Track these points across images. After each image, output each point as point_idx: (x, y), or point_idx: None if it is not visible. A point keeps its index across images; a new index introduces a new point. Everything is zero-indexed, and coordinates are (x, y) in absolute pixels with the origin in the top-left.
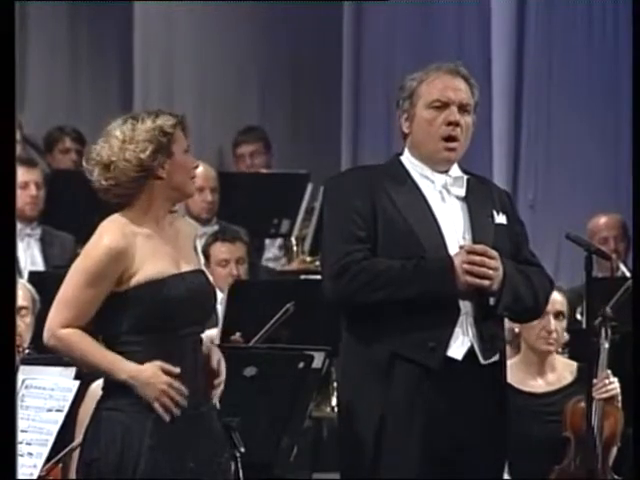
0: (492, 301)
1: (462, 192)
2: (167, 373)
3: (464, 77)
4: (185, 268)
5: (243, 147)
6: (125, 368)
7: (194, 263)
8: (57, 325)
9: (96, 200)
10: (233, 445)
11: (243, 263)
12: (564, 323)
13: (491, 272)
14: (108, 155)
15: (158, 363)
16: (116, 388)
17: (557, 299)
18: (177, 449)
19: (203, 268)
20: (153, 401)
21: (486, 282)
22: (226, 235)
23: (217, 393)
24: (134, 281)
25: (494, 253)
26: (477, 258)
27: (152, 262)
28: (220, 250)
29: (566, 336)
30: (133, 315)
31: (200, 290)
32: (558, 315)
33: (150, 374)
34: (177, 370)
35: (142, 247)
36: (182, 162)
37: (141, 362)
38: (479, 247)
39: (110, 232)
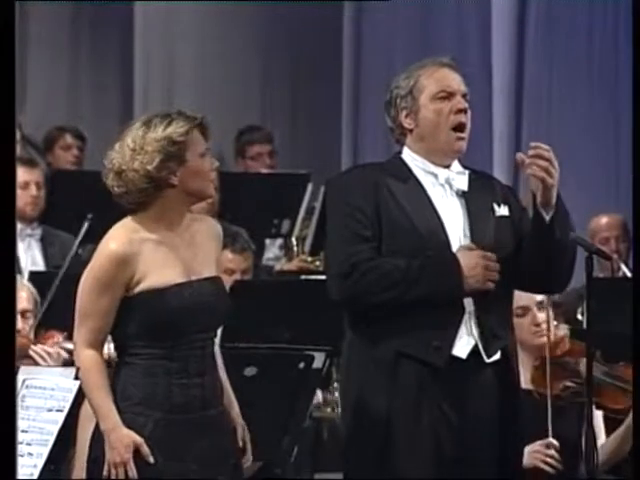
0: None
1: (465, 186)
2: (138, 452)
3: (457, 69)
4: (196, 276)
5: (260, 146)
6: (107, 420)
7: (208, 269)
8: (81, 342)
9: (96, 200)
10: None
11: (248, 273)
12: (550, 312)
13: (495, 274)
14: (120, 163)
15: (140, 441)
16: (118, 389)
17: None
18: (178, 451)
19: (217, 274)
20: (108, 459)
21: (491, 285)
22: (236, 246)
23: (249, 457)
24: (139, 288)
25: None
26: (492, 264)
27: (159, 270)
28: (228, 259)
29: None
30: (137, 321)
31: (208, 298)
32: (540, 305)
33: (119, 439)
34: (151, 459)
35: (150, 254)
36: (197, 167)
37: (147, 365)
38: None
39: (116, 238)
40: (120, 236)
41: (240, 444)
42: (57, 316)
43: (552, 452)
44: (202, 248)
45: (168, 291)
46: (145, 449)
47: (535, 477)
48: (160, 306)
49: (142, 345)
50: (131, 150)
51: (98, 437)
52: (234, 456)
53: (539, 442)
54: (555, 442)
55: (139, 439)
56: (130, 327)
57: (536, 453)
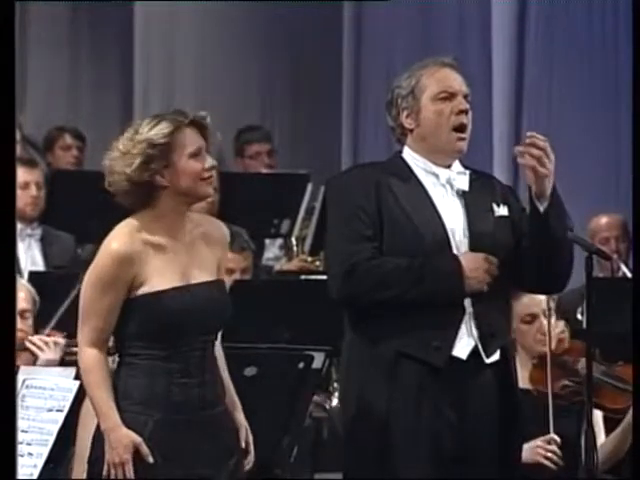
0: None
1: (465, 186)
2: (137, 452)
3: (459, 70)
4: (196, 279)
5: (259, 145)
6: (107, 420)
7: (210, 272)
8: (84, 341)
9: (96, 200)
10: None
11: (248, 272)
12: (553, 317)
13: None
14: (109, 165)
15: (139, 441)
16: (119, 388)
17: (542, 298)
18: (178, 451)
19: (220, 277)
20: (107, 459)
21: (485, 287)
22: (236, 245)
23: (251, 458)
24: (140, 290)
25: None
26: (493, 267)
27: (159, 273)
28: (227, 258)
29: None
30: (137, 323)
31: (208, 301)
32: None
33: (119, 439)
34: (150, 459)
35: (151, 257)
36: (185, 168)
37: (147, 365)
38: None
39: (119, 237)
40: (122, 236)
41: (242, 445)
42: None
43: (553, 448)
44: (204, 250)
45: (167, 294)
46: (144, 449)
47: (536, 473)
48: (159, 309)
49: (142, 346)
50: (119, 152)
51: (99, 437)
52: (235, 456)
53: (541, 438)
54: (556, 438)
55: (138, 439)
56: (130, 328)
57: (537, 449)
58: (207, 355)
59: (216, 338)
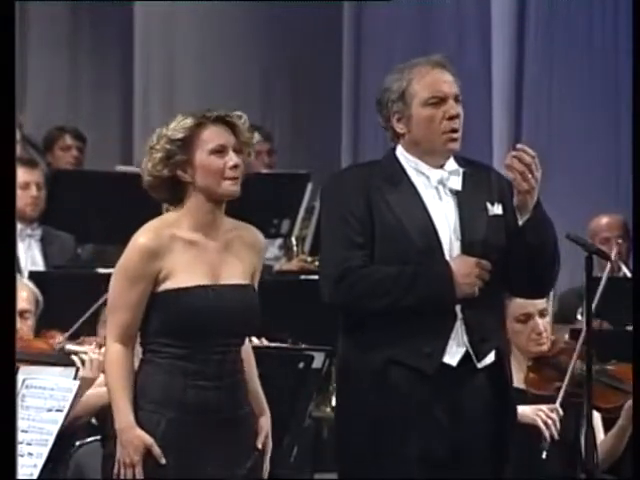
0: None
1: (459, 185)
2: (148, 453)
3: (449, 68)
4: (224, 281)
5: (259, 145)
6: (121, 419)
7: (240, 276)
8: (110, 336)
9: (96, 200)
10: None
11: None
12: (548, 317)
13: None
14: (142, 162)
15: (150, 442)
16: (138, 385)
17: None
18: (191, 452)
19: (250, 282)
20: (118, 458)
21: (477, 291)
22: None
23: (266, 466)
24: (164, 285)
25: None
26: (486, 272)
27: (185, 270)
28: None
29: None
30: (159, 319)
31: (234, 304)
32: (543, 313)
33: (130, 440)
34: (162, 461)
35: (179, 252)
36: (204, 164)
37: (165, 364)
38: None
39: (145, 232)
40: (149, 231)
41: (260, 443)
42: (56, 316)
43: (554, 417)
44: (237, 255)
45: (191, 291)
46: (156, 450)
47: (529, 436)
48: (182, 306)
49: (163, 343)
50: (148, 148)
51: (113, 434)
52: (252, 459)
53: (545, 405)
54: (560, 410)
55: (149, 440)
56: (152, 324)
57: (539, 412)
58: (228, 359)
59: (242, 343)
